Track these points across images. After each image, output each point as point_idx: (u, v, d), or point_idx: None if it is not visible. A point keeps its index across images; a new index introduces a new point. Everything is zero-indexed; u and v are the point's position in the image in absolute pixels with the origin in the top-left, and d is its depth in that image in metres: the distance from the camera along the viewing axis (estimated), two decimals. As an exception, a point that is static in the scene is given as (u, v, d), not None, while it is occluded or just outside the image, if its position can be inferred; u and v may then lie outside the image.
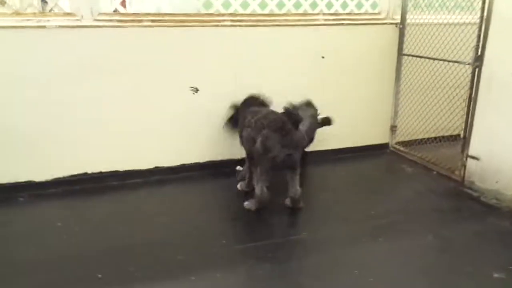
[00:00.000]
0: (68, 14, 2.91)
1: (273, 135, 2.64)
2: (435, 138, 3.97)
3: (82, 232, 2.61)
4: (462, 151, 3.17)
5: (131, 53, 3.08)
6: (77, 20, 2.91)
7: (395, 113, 3.89)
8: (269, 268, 2.24)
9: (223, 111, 3.24)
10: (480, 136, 2.97)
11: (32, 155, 3.06)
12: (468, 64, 3.03)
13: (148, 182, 3.32)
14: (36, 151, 3.06)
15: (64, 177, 3.17)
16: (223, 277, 2.16)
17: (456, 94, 3.64)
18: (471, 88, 3.05)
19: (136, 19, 3.04)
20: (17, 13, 2.82)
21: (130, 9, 3.12)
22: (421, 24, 3.58)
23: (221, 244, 2.46)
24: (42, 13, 2.87)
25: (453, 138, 4.14)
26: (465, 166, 3.12)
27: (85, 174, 3.22)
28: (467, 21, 3.66)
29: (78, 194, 3.12)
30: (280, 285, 2.13)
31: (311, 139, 2.91)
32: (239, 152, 3.47)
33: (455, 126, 4.05)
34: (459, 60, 3.21)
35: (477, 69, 2.96)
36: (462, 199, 3.00)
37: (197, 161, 3.45)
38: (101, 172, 3.25)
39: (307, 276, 2.19)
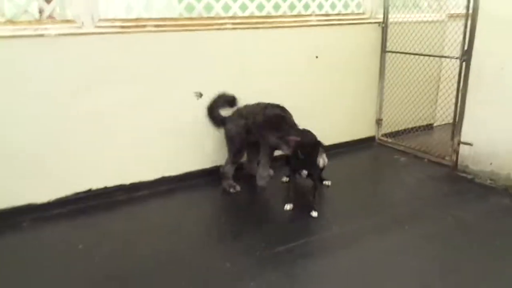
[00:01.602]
0: (68, 21, 2.71)
1: None
2: (413, 128, 4.30)
3: (111, 251, 2.46)
4: (453, 138, 3.46)
5: (134, 60, 2.95)
6: (78, 27, 2.72)
7: (380, 107, 4.12)
8: (322, 262, 2.31)
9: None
10: (471, 124, 3.26)
11: (31, 175, 2.81)
12: (456, 58, 3.31)
13: (157, 193, 3.19)
14: (35, 170, 2.81)
15: (67, 196, 2.95)
16: (281, 277, 2.18)
17: (432, 87, 3.98)
18: (458, 80, 3.34)
19: (139, 24, 2.91)
20: (11, 22, 2.57)
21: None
22: (402, 23, 3.84)
23: (262, 247, 2.46)
24: (39, 20, 2.64)
25: (427, 127, 4.52)
26: (457, 152, 3.40)
27: (90, 190, 3.02)
28: (436, 19, 4.03)
29: (85, 213, 2.92)
30: (344, 275, 2.21)
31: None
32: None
33: (426, 116, 4.42)
34: (445, 55, 3.50)
35: (464, 63, 3.24)
36: (460, 182, 3.28)
37: (204, 167, 3.39)
38: (106, 187, 3.07)
39: (360, 266, 2.28)
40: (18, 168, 2.75)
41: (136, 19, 2.91)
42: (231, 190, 3.19)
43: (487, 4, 3.00)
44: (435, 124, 4.61)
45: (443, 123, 4.53)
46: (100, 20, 2.78)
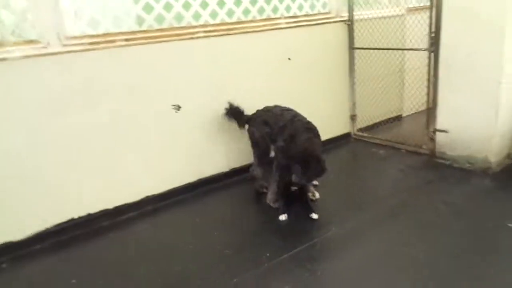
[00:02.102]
0: (31, 41, 2.52)
1: None
2: (385, 120, 4.43)
3: (106, 282, 2.31)
4: (428, 127, 3.57)
5: (107, 77, 2.80)
6: (43, 47, 2.54)
7: (353, 103, 4.19)
8: (330, 263, 2.29)
9: (206, 124, 3.28)
10: (445, 111, 3.37)
11: (4, 211, 2.59)
12: (425, 50, 3.42)
13: (143, 214, 3.05)
14: (8, 205, 2.59)
15: (47, 229, 2.74)
16: (292, 284, 2.14)
17: (398, 80, 4.11)
18: (428, 71, 3.45)
19: (108, 39, 2.76)
20: (-32, 47, 2.35)
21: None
22: (366, 19, 3.93)
23: (266, 257, 2.40)
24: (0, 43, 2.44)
25: (397, 118, 4.67)
26: (434, 140, 3.51)
27: (72, 220, 2.83)
28: (396, 13, 4.17)
29: (69, 245, 2.73)
30: (354, 273, 2.20)
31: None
32: (226, 164, 3.44)
33: (395, 107, 4.57)
34: (407, 47, 3.63)
35: (432, 54, 3.36)
36: (440, 168, 3.39)
37: (187, 181, 3.28)
38: (89, 214, 2.89)
39: (369, 262, 2.29)
40: (-10, 205, 2.53)
41: (104, 35, 2.76)
42: (265, 190, 3.18)
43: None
44: (403, 115, 4.77)
45: (410, 113, 4.71)
46: (66, 38, 2.61)
